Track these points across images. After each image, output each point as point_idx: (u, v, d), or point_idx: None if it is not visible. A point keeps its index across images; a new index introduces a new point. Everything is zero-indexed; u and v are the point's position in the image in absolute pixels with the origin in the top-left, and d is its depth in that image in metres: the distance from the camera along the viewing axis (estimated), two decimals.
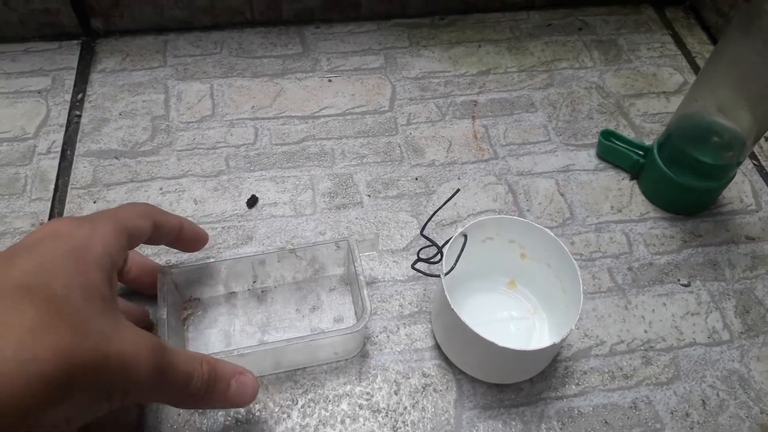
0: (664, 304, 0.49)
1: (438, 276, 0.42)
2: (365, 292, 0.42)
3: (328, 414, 0.42)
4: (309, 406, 0.42)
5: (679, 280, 0.50)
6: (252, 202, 0.52)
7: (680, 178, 0.51)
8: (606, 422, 0.42)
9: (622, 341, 0.46)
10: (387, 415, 0.42)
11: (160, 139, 0.56)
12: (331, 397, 0.42)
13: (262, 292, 0.47)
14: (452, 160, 0.57)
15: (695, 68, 0.67)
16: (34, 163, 0.53)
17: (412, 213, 0.53)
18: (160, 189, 0.52)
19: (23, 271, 0.28)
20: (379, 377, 0.43)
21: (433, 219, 0.50)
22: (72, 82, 0.60)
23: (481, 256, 0.45)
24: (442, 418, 0.42)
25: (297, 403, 0.42)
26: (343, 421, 0.41)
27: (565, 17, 0.71)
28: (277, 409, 0.42)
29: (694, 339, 0.47)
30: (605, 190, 0.56)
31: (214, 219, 0.51)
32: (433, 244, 0.44)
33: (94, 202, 0.51)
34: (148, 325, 0.44)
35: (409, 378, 0.43)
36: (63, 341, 0.26)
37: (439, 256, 0.43)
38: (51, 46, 0.63)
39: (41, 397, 0.25)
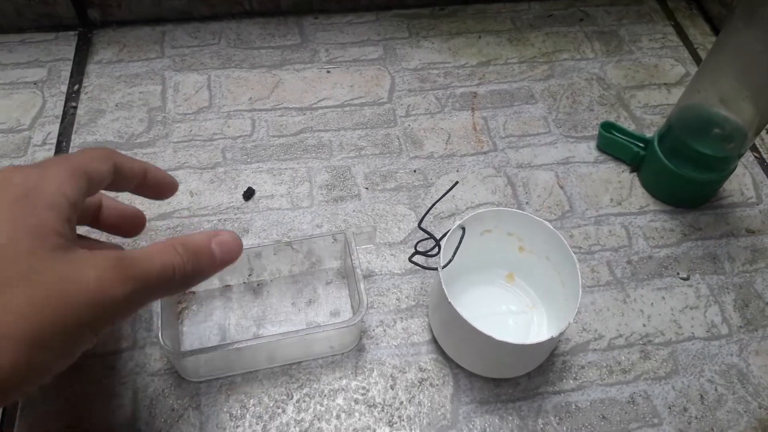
0: (663, 298, 0.48)
1: (435, 269, 0.41)
2: (362, 285, 0.41)
3: (323, 409, 0.41)
4: (304, 401, 0.42)
5: (678, 273, 0.50)
6: (248, 194, 0.52)
7: (681, 170, 0.51)
8: (603, 417, 0.42)
9: (621, 335, 0.46)
10: (383, 410, 0.41)
11: (157, 131, 0.56)
12: (326, 391, 0.42)
13: (258, 285, 0.47)
14: (451, 153, 0.56)
15: (697, 60, 0.66)
16: (29, 154, 0.53)
17: (410, 206, 0.52)
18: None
19: None
20: (375, 372, 0.43)
21: (431, 212, 0.50)
22: (68, 73, 0.59)
23: (479, 248, 0.45)
24: (439, 413, 0.42)
25: (292, 398, 0.42)
26: (338, 416, 0.41)
27: (566, 8, 0.71)
28: (272, 404, 0.41)
29: (692, 333, 0.47)
30: (605, 183, 0.55)
31: (211, 211, 0.50)
32: (431, 236, 0.44)
33: None
34: None
35: (405, 372, 0.43)
36: (19, 300, 0.26)
37: (436, 249, 0.43)
38: (47, 37, 0.62)
39: (16, 361, 0.25)
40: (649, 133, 0.58)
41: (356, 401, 0.42)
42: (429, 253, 0.43)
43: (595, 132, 0.58)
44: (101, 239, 0.43)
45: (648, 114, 0.61)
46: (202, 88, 0.59)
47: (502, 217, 0.44)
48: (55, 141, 0.54)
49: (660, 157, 0.52)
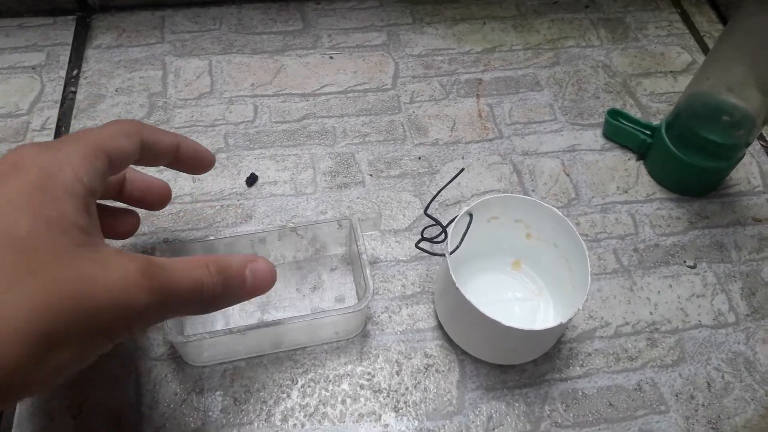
0: (670, 286, 0.48)
1: (442, 255, 0.41)
2: (368, 270, 0.41)
3: (328, 394, 0.41)
4: (309, 386, 0.41)
5: (685, 261, 0.49)
6: (251, 180, 0.51)
7: (688, 158, 0.50)
8: (610, 404, 0.42)
9: (627, 323, 0.46)
10: (388, 396, 0.41)
11: (158, 117, 0.55)
12: (331, 377, 0.42)
13: None
14: (456, 139, 0.56)
15: (704, 47, 0.66)
16: (27, 139, 0.52)
17: (415, 193, 0.52)
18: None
19: None
20: (380, 357, 0.43)
21: (436, 199, 0.49)
22: (67, 58, 0.59)
23: (486, 235, 0.44)
24: (445, 399, 0.41)
25: (297, 383, 0.41)
26: (343, 401, 0.41)
27: None
28: (276, 389, 0.41)
29: (699, 321, 0.46)
30: (611, 171, 0.55)
31: (213, 197, 0.50)
32: (438, 223, 0.43)
33: None
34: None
35: (411, 358, 0.43)
36: (36, 294, 0.24)
37: (443, 236, 0.42)
38: (46, 22, 0.61)
39: (26, 353, 0.23)
40: (655, 121, 0.57)
41: (361, 386, 0.41)
42: (435, 239, 0.43)
43: (601, 119, 0.58)
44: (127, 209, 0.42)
45: (654, 102, 0.60)
46: (204, 74, 0.59)
47: (509, 204, 0.44)
48: (54, 126, 0.53)
49: (667, 145, 0.51)
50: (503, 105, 0.59)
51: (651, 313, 0.46)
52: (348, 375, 0.42)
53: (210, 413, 0.40)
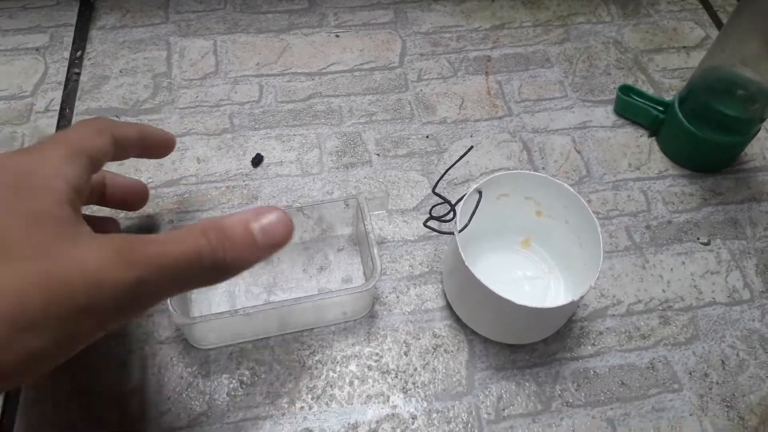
0: (683, 263, 0.47)
1: (451, 233, 0.40)
2: (375, 250, 0.40)
3: (336, 375, 0.41)
4: (316, 368, 0.41)
5: (698, 238, 0.48)
6: (257, 161, 0.50)
7: (702, 133, 0.49)
8: (623, 383, 0.41)
9: (640, 301, 0.45)
10: (397, 376, 0.41)
11: (162, 97, 0.54)
12: (339, 358, 0.41)
13: None
14: (465, 118, 0.55)
15: (717, 22, 0.64)
16: (31, 121, 0.52)
17: (423, 172, 0.51)
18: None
19: None
20: (388, 338, 0.42)
21: (444, 178, 0.48)
22: (71, 39, 0.58)
23: (495, 213, 0.44)
24: (454, 379, 0.41)
25: (304, 365, 0.41)
26: (351, 383, 0.40)
27: None
28: (283, 371, 0.41)
29: (713, 298, 0.45)
30: (623, 147, 0.54)
31: (218, 178, 0.49)
32: (446, 201, 0.43)
33: None
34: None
35: (419, 339, 0.42)
36: (8, 281, 0.24)
37: (451, 214, 0.42)
38: (49, 2, 0.61)
39: (3, 343, 0.23)
40: (667, 97, 0.56)
41: (369, 368, 0.41)
42: (444, 218, 0.42)
43: (613, 96, 0.57)
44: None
45: (666, 78, 0.59)
46: (208, 54, 0.58)
47: (519, 181, 0.43)
48: (58, 108, 0.53)
49: (681, 120, 0.50)
50: (512, 82, 0.57)
51: (664, 291, 0.45)
52: (356, 356, 0.41)
53: (216, 396, 0.39)
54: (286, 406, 0.39)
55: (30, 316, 0.24)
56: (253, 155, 0.51)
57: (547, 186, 0.42)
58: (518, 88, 0.57)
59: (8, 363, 0.24)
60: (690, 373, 0.42)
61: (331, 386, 0.40)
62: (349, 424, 0.39)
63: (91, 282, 0.25)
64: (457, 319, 0.43)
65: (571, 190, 0.41)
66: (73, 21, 0.60)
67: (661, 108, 0.54)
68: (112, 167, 0.44)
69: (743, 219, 0.50)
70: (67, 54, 0.57)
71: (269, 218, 0.31)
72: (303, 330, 0.42)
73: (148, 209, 0.47)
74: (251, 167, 0.50)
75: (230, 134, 0.52)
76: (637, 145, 0.54)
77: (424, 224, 0.43)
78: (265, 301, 0.43)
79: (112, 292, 0.26)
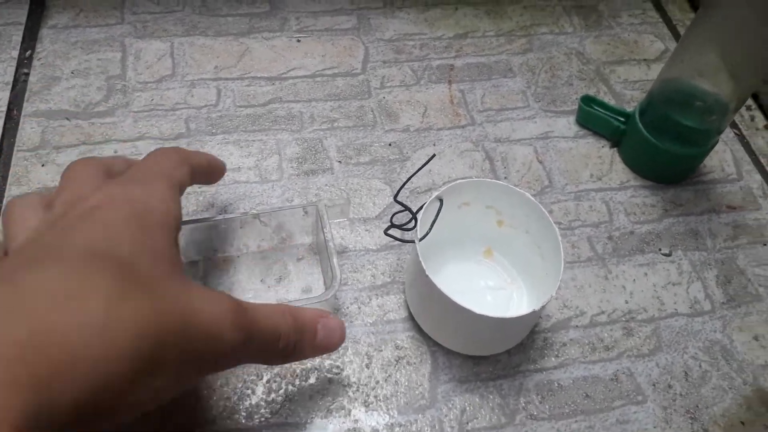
0: (646, 274, 0.47)
1: (412, 242, 0.39)
2: (335, 259, 0.39)
3: (295, 389, 0.39)
4: (275, 381, 0.39)
5: (660, 249, 0.48)
6: None
7: (662, 144, 0.50)
8: (587, 395, 0.40)
9: (603, 312, 0.45)
10: (358, 390, 0.39)
11: (116, 100, 0.52)
12: (298, 371, 0.40)
13: (224, 261, 0.44)
14: (428, 126, 0.54)
15: (676, 36, 0.65)
16: None
17: (386, 180, 0.50)
18: (115, 152, 0.49)
19: (87, 239, 0.25)
20: (349, 350, 0.41)
21: (407, 186, 0.47)
22: (20, 38, 0.55)
23: (457, 223, 0.43)
24: (417, 392, 0.40)
25: (262, 378, 0.39)
26: (311, 397, 0.39)
27: None
28: (240, 385, 0.39)
29: (675, 309, 0.45)
30: (585, 158, 0.54)
31: None
32: (407, 209, 0.42)
33: (43, 165, 0.47)
34: None
35: (381, 350, 0.41)
36: (144, 310, 0.23)
37: (413, 222, 0.41)
38: None
39: (129, 373, 0.22)
40: (628, 108, 0.56)
41: (330, 381, 0.39)
42: (405, 226, 0.41)
43: (575, 107, 0.57)
44: None
45: (628, 89, 0.59)
46: (165, 56, 0.56)
47: (481, 189, 0.42)
48: (5, 109, 0.50)
49: (641, 131, 0.50)
50: (475, 91, 0.57)
51: (627, 302, 0.45)
52: (315, 369, 0.40)
53: (171, 411, 0.37)
54: (244, 421, 0.38)
55: (160, 358, 0.23)
56: None
57: (508, 195, 0.42)
58: (481, 98, 0.57)
59: (133, 403, 0.23)
60: (654, 385, 0.41)
61: (290, 401, 0.39)
62: None
63: (213, 334, 0.26)
64: (420, 331, 0.42)
65: (532, 198, 0.40)
66: (23, 19, 0.57)
67: (622, 119, 0.54)
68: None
69: (703, 230, 0.50)
70: (15, 53, 0.54)
71: (332, 323, 0.33)
72: None
73: None
74: None
75: (186, 139, 0.50)
76: (598, 156, 0.54)
77: (385, 232, 0.41)
78: None
79: (225, 348, 0.26)
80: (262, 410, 0.38)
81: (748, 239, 0.50)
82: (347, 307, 0.43)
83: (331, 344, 0.33)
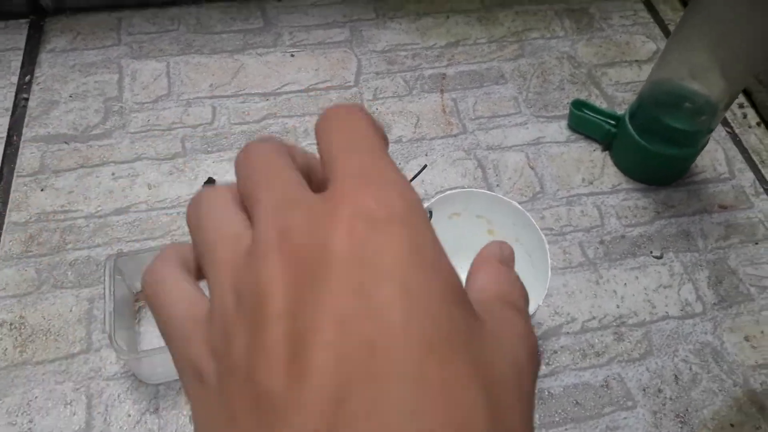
0: (637, 278, 0.47)
1: None
2: None
3: None
4: None
5: (651, 252, 0.49)
6: (209, 185, 0.50)
7: (653, 146, 0.50)
8: (577, 403, 0.41)
9: (594, 317, 0.45)
10: None
11: (113, 122, 0.53)
12: None
13: None
14: (420, 136, 0.55)
15: (668, 36, 0.65)
16: None
17: None
18: (112, 174, 0.50)
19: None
20: None
21: None
22: (19, 64, 0.57)
23: (448, 234, 0.43)
24: None
25: None
26: None
27: None
28: None
29: (666, 312, 0.46)
30: (576, 162, 0.54)
31: (169, 204, 0.49)
32: None
33: (42, 190, 0.48)
34: None
35: None
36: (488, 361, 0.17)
37: None
38: None
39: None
40: (621, 111, 0.57)
41: None
42: None
43: (566, 111, 0.57)
44: None
45: (619, 91, 0.60)
46: (161, 76, 0.57)
47: (471, 199, 0.43)
48: (5, 135, 0.52)
49: (631, 134, 0.51)
50: (467, 99, 0.58)
51: (618, 307, 0.46)
52: None
53: None
54: None
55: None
56: (206, 179, 0.50)
57: (497, 204, 0.42)
58: (473, 106, 0.57)
59: None
60: (644, 390, 0.42)
61: None
62: None
63: (519, 388, 0.18)
64: None
65: (520, 208, 0.41)
66: (22, 45, 0.58)
67: (613, 122, 0.54)
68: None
69: (695, 231, 0.50)
70: (14, 79, 0.56)
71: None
72: None
73: (97, 239, 0.46)
74: None
75: (182, 158, 0.51)
76: (590, 160, 0.54)
77: None
78: None
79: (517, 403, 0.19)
80: None
81: (740, 238, 0.50)
82: None
83: None
